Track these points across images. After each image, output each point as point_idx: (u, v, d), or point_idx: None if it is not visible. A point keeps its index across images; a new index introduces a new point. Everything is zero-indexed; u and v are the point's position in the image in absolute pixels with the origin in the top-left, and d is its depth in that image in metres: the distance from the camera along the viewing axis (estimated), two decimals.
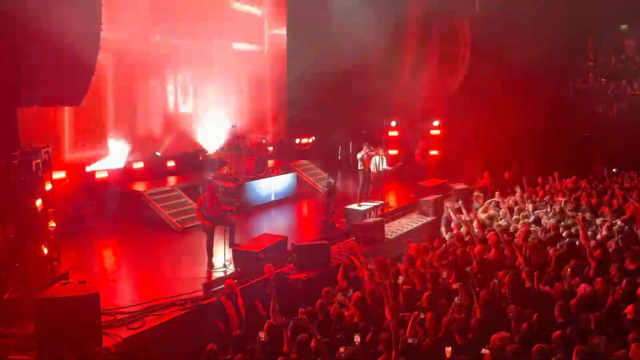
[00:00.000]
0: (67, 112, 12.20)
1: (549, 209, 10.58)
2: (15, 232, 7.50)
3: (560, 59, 18.34)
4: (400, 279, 7.31)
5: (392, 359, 5.06)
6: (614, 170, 15.31)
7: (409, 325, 5.56)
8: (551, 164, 15.19)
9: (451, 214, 10.33)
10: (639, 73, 18.44)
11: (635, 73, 18.50)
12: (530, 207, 10.81)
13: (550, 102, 18.53)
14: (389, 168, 13.44)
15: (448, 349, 5.14)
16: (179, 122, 15.34)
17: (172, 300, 7.86)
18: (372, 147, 13.12)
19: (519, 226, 9.49)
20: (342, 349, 5.27)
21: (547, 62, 17.76)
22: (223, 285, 7.75)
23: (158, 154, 14.72)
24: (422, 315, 5.85)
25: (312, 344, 5.55)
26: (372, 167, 12.87)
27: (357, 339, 5.59)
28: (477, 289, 6.56)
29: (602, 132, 17.33)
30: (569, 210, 10.43)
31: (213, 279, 8.77)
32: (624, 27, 19.37)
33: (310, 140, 18.73)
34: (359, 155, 12.98)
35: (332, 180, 11.74)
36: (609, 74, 18.93)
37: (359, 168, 12.96)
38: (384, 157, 13.19)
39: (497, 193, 11.95)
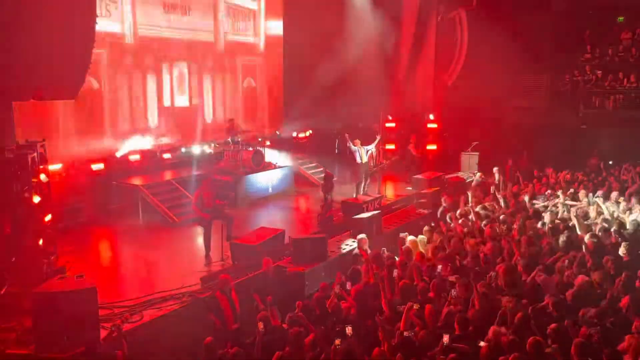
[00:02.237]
0: (62, 105, 12.15)
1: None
2: (12, 227, 7.50)
3: (556, 51, 18.33)
4: (397, 272, 7.34)
5: (387, 351, 5.08)
6: (610, 162, 15.36)
7: (403, 317, 5.58)
8: (547, 157, 15.24)
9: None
10: (635, 65, 18.41)
11: (632, 65, 18.47)
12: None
13: (547, 94, 18.56)
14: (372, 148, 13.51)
15: (445, 337, 5.17)
16: (176, 115, 15.29)
17: (170, 293, 7.88)
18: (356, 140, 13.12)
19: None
20: (337, 341, 5.29)
21: (543, 55, 17.76)
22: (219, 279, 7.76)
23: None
24: (415, 307, 5.86)
25: (308, 338, 5.58)
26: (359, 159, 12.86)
27: (349, 330, 5.60)
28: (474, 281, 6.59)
29: (598, 124, 17.37)
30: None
31: (211, 272, 8.78)
32: (620, 19, 19.33)
33: (308, 134, 18.70)
34: (353, 148, 12.93)
35: (329, 174, 11.75)
36: (605, 67, 18.90)
37: (358, 161, 12.94)
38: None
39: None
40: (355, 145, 12.97)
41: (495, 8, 17.23)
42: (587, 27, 19.21)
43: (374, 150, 13.46)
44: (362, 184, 13.11)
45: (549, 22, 17.93)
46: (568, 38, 18.88)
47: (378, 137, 13.84)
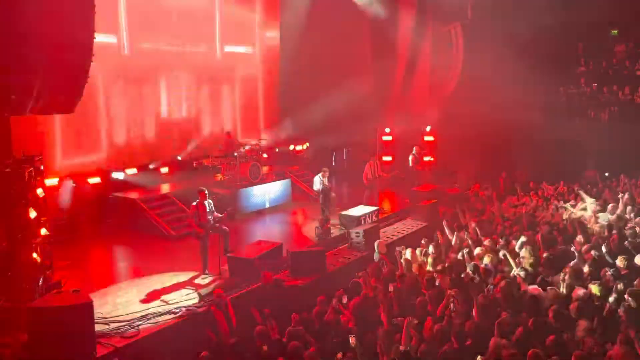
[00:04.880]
0: (59, 119, 12.15)
1: None
2: (8, 241, 7.44)
3: (551, 64, 18.46)
4: (394, 285, 7.31)
5: None
6: (606, 174, 15.41)
7: (403, 331, 5.54)
8: (544, 169, 15.29)
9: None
10: (629, 78, 18.57)
11: (626, 78, 18.63)
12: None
13: (542, 107, 18.66)
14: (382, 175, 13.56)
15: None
16: (172, 128, 15.31)
17: (167, 308, 7.82)
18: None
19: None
20: (339, 355, 5.25)
21: (538, 68, 17.87)
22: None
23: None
24: (415, 321, 5.83)
25: (307, 352, 5.53)
26: (320, 185, 12.81)
27: (352, 340, 5.56)
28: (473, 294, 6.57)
29: (594, 137, 17.45)
30: None
31: (208, 286, 8.73)
32: (614, 32, 19.55)
33: (305, 146, 18.73)
34: (317, 180, 12.86)
35: (327, 186, 11.77)
36: (600, 79, 19.05)
37: (317, 188, 12.91)
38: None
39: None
40: (324, 177, 12.93)
41: (489, 21, 17.40)
42: (581, 40, 19.41)
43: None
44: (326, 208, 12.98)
45: (543, 35, 18.10)
46: (562, 51, 19.05)
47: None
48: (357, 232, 10.80)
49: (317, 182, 12.85)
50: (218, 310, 7.20)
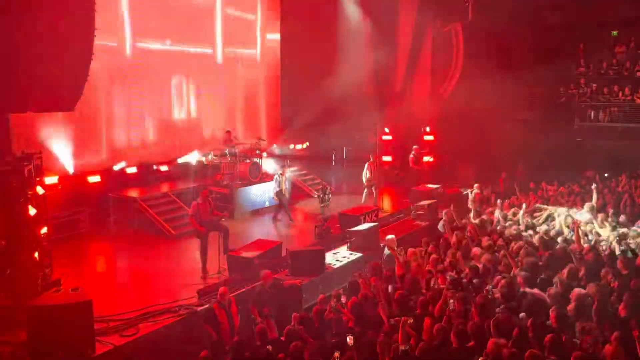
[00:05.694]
0: (59, 118, 12.14)
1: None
2: (7, 239, 7.44)
3: (551, 64, 18.47)
4: (391, 286, 7.31)
5: None
6: (605, 175, 15.42)
7: (400, 331, 5.55)
8: (543, 169, 15.30)
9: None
10: (630, 78, 18.57)
11: (626, 78, 18.64)
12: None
13: (542, 107, 18.68)
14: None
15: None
16: (173, 127, 15.30)
17: (166, 306, 7.82)
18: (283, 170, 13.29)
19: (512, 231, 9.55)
20: (337, 354, 5.25)
21: (539, 68, 17.89)
22: (217, 292, 7.70)
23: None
24: (410, 320, 5.83)
25: (306, 353, 5.54)
26: (278, 187, 12.97)
27: (349, 340, 5.57)
28: (473, 294, 6.59)
29: (593, 137, 17.47)
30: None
31: (207, 285, 8.73)
32: (614, 32, 19.56)
33: (304, 145, 18.74)
34: (277, 181, 13.00)
35: (326, 186, 11.79)
36: (600, 80, 19.06)
37: (277, 189, 13.01)
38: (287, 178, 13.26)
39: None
40: (282, 175, 13.03)
41: (490, 22, 17.40)
42: (581, 41, 19.41)
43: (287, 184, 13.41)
44: (287, 210, 13.12)
45: (544, 35, 18.11)
46: (563, 51, 19.06)
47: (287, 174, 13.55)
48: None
49: (276, 184, 12.96)
50: (220, 309, 7.20)
